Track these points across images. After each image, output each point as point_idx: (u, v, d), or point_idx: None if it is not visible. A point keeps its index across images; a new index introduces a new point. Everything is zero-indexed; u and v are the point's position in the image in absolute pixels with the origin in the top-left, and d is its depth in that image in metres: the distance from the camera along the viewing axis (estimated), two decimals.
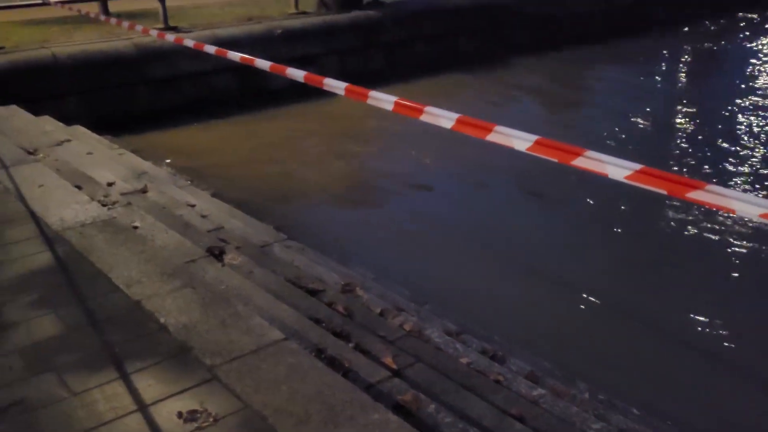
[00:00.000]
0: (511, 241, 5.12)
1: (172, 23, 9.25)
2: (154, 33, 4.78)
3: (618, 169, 1.17)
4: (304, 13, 10.38)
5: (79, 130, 6.65)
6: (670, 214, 5.41)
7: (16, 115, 6.24)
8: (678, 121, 8.38)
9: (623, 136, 7.59)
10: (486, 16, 11.60)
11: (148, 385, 2.09)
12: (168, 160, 6.68)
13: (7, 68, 7.30)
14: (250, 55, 8.45)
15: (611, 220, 5.45)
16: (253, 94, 8.74)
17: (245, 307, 2.71)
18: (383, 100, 1.74)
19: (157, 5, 9.21)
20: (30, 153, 4.80)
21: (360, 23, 10.17)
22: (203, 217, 4.41)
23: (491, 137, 1.44)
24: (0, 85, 7.11)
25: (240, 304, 2.70)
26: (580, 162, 1.24)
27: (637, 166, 1.15)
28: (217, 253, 3.62)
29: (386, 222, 5.61)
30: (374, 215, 5.84)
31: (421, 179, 6.57)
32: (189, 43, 3.42)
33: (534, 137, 1.36)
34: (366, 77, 9.97)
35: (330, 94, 8.83)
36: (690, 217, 5.36)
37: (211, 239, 3.88)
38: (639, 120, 8.29)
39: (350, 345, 2.78)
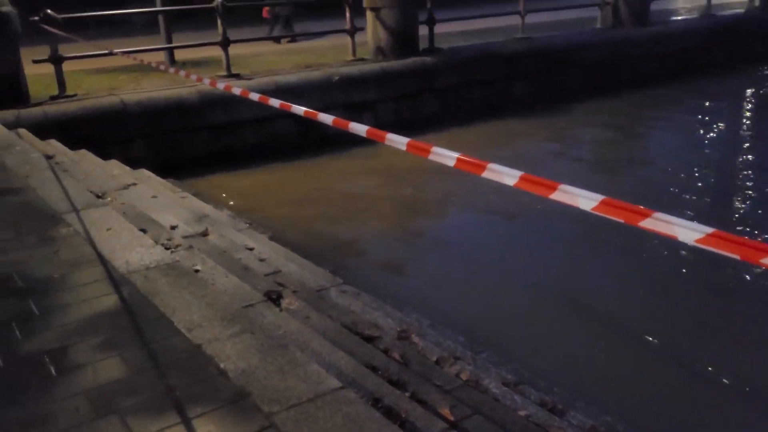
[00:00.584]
0: (573, 289, 5.03)
1: (234, 71, 9.56)
2: (221, 86, 4.96)
3: (688, 232, 1.15)
4: (361, 59, 10.60)
5: (144, 173, 6.88)
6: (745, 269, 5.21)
7: (86, 159, 6.50)
8: (746, 173, 8.07)
9: (688, 188, 7.29)
10: (541, 60, 11.63)
11: (208, 431, 2.11)
12: (228, 203, 6.84)
13: (79, 114, 7.65)
14: (308, 101, 8.68)
15: (682, 275, 5.24)
16: (312, 138, 8.92)
17: (302, 353, 2.73)
18: (445, 156, 1.76)
19: (220, 53, 9.55)
20: (99, 197, 4.98)
21: (416, 69, 10.31)
22: (261, 260, 4.48)
23: (555, 195, 1.44)
24: (72, 131, 7.44)
25: (297, 350, 2.72)
26: (647, 224, 1.22)
27: (709, 230, 1.13)
28: (274, 297, 3.66)
29: (442, 266, 5.60)
30: (430, 260, 5.83)
31: (478, 224, 6.55)
32: (254, 96, 3.54)
33: (599, 197, 1.35)
34: (421, 122, 10.11)
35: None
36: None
37: (268, 283, 3.94)
38: (703, 170, 8.05)
39: (407, 394, 2.76)
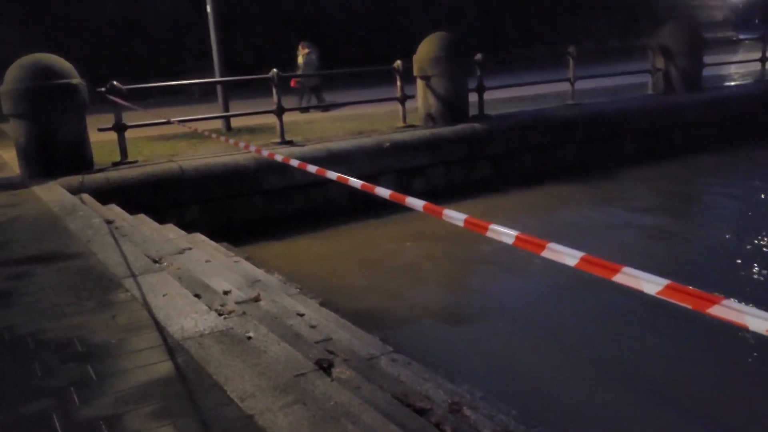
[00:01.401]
0: (631, 364, 4.87)
1: (287, 137, 9.81)
2: (264, 153, 5.11)
3: (759, 321, 1.12)
4: (412, 126, 10.76)
5: (199, 237, 7.03)
6: None
7: (144, 223, 6.69)
8: None
9: (755, 265, 6.81)
10: (592, 127, 11.61)
11: None
12: (279, 268, 6.91)
13: (139, 180, 7.92)
14: (360, 167, 8.80)
15: (750, 362, 4.99)
16: (364, 202, 9.01)
17: (354, 426, 2.70)
18: (503, 233, 1.76)
19: (275, 120, 9.82)
20: (155, 261, 5.10)
21: (466, 135, 10.41)
22: (312, 327, 4.49)
23: (619, 278, 1.42)
24: (132, 195, 7.69)
25: (349, 423, 2.69)
26: (716, 311, 1.19)
27: None
28: (326, 366, 3.65)
29: (494, 335, 5.50)
30: (481, 328, 5.75)
31: (530, 291, 6.45)
32: (312, 169, 3.62)
33: (664, 281, 1.32)
34: (472, 187, 10.14)
35: (439, 205, 8.95)
36: None
37: (319, 351, 3.93)
38: (765, 240, 7.80)
39: None
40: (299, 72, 15.22)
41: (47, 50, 8.46)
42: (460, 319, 5.99)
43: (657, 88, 13.70)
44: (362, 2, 28.10)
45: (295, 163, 3.35)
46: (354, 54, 26.22)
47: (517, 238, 1.72)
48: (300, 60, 15.29)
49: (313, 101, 15.05)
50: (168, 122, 8.03)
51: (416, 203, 2.30)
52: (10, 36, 19.70)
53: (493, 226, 1.83)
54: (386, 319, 5.84)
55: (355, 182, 2.80)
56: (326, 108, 14.45)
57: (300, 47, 15.46)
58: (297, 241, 8.22)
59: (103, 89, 8.54)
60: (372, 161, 9.44)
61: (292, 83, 14.97)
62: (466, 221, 2.00)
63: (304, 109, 14.22)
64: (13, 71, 7.85)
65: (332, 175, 3.09)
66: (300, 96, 15.29)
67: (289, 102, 12.21)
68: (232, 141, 6.11)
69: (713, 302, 1.14)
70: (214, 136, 6.47)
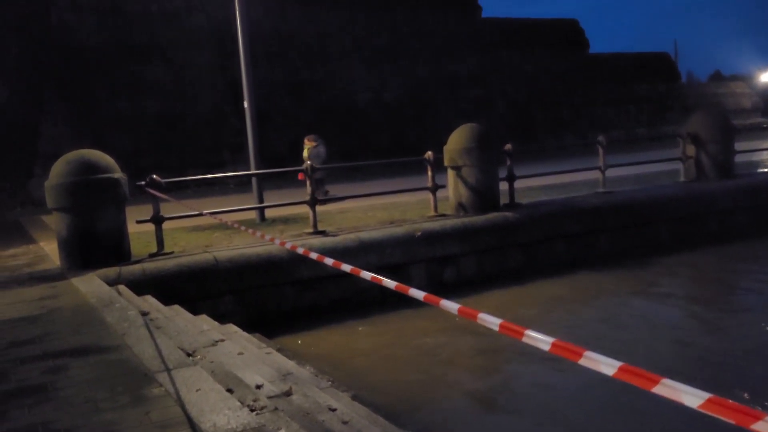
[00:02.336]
0: None
1: (320, 227, 9.94)
2: (288, 245, 5.21)
3: None
4: (443, 215, 10.84)
5: (232, 328, 7.06)
6: None
7: (178, 315, 6.75)
8: None
9: None
10: (625, 215, 11.57)
11: None
12: (311, 360, 6.86)
13: (175, 271, 8.04)
14: (391, 256, 8.83)
15: None
16: (394, 293, 8.98)
17: None
18: (539, 339, 1.75)
19: (308, 209, 9.99)
20: (189, 354, 5.12)
21: (497, 224, 10.44)
22: (344, 423, 4.41)
23: (658, 389, 1.40)
24: (167, 286, 7.80)
25: None
26: (760, 427, 1.16)
27: None
28: None
29: (527, 429, 5.34)
30: (514, 422, 5.58)
31: (567, 384, 6.28)
32: (346, 268, 3.68)
33: (706, 395, 1.30)
34: (504, 276, 10.08)
35: (470, 294, 8.83)
36: None
37: None
38: None
39: None
40: (305, 164, 15.08)
41: (94, 145, 8.86)
42: (493, 414, 5.84)
43: (689, 176, 13.68)
44: (394, 95, 28.93)
45: (367, 275, 3.42)
46: (386, 144, 26.82)
47: (553, 345, 1.71)
48: (305, 153, 15.03)
49: (320, 194, 14.78)
50: (201, 214, 8.23)
51: (451, 306, 2.30)
52: (61, 133, 20.63)
53: (529, 332, 1.82)
54: (418, 413, 5.72)
55: (390, 283, 2.83)
56: (325, 201, 13.60)
57: (306, 140, 15.30)
58: (329, 332, 8.19)
59: (142, 183, 8.81)
60: (403, 250, 9.49)
61: (300, 176, 14.85)
62: (501, 326, 2.00)
63: (321, 202, 14.01)
64: (58, 167, 8.18)
65: (366, 275, 3.12)
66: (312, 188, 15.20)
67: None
68: (259, 234, 6.24)
69: (758, 418, 1.11)
70: (243, 228, 6.61)
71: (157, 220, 8.87)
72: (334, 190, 15.34)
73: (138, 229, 9.27)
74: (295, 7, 27.84)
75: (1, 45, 22.47)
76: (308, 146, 15.08)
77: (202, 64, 24.21)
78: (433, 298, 2.48)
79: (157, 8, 23.71)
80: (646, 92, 34.34)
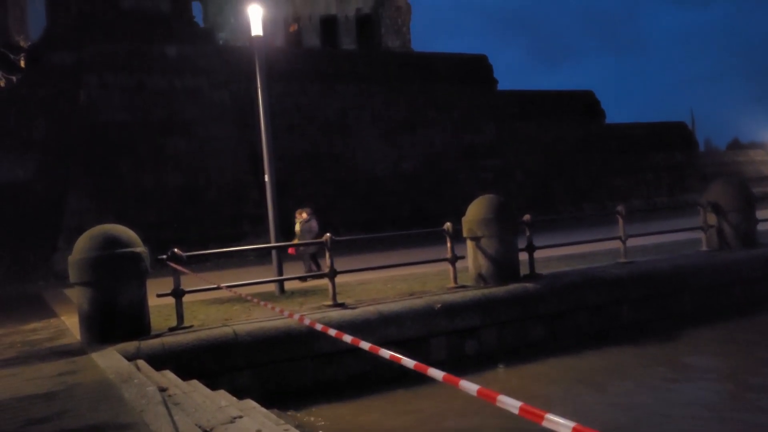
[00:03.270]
0: None
1: (339, 299, 9.90)
2: (306, 321, 5.20)
3: None
4: (463, 286, 10.77)
5: (250, 404, 6.96)
6: None
7: (196, 390, 6.69)
8: None
9: None
10: (647, 285, 11.43)
11: None
12: None
13: (194, 345, 8.02)
14: (411, 328, 8.74)
15: None
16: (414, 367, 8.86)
17: None
18: (561, 424, 1.72)
19: (328, 281, 9.98)
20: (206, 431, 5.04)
21: (518, 295, 10.34)
22: None
23: None
24: (186, 361, 7.76)
25: None
26: None
27: None
28: None
29: None
30: None
31: None
32: (365, 345, 3.68)
33: None
34: (525, 348, 9.92)
35: (492, 368, 8.65)
36: None
37: None
38: None
39: None
40: (297, 239, 14.08)
41: (117, 218, 9.00)
42: None
43: (711, 245, 13.54)
44: (413, 166, 29.27)
45: (386, 354, 3.42)
46: (406, 214, 26.96)
47: (574, 430, 1.67)
48: (297, 227, 14.47)
49: (313, 269, 13.87)
50: (220, 288, 8.26)
51: (470, 387, 2.27)
52: (86, 207, 21.02)
53: (549, 416, 1.79)
54: None
55: (408, 362, 2.81)
56: (322, 276, 12.47)
57: (297, 213, 14.67)
58: (348, 409, 8.04)
59: (164, 257, 8.89)
60: (423, 323, 9.40)
61: (291, 251, 14.04)
62: (521, 409, 1.96)
63: (303, 278, 13.04)
64: (82, 242, 8.30)
65: (385, 353, 3.11)
66: (307, 264, 14.30)
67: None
68: (277, 309, 6.24)
69: None
70: (261, 303, 6.61)
71: (178, 293, 8.90)
72: (355, 260, 15.33)
73: (158, 303, 9.30)
74: (315, 83, 28.58)
75: (30, 122, 23.21)
76: (300, 220, 14.47)
77: (223, 137, 24.76)
78: (452, 378, 2.45)
79: (181, 85, 24.45)
80: (664, 161, 34.43)
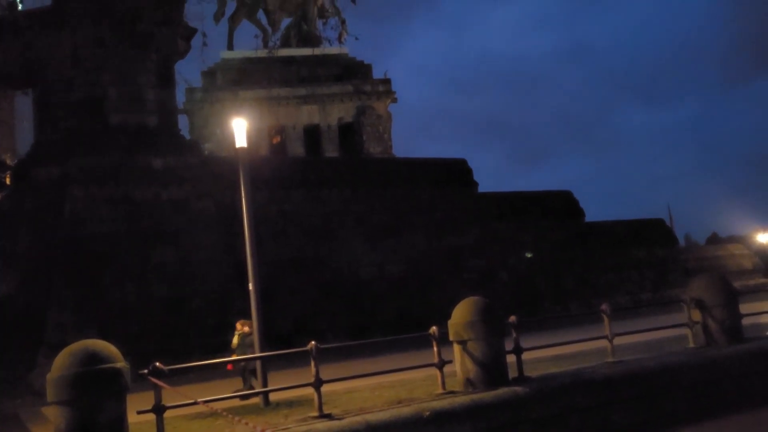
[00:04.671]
0: None
1: (326, 409, 9.67)
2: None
3: None
4: (452, 392, 10.60)
5: None
6: None
7: None
8: None
9: None
10: (638, 384, 11.33)
11: None
12: None
13: None
14: None
15: None
16: None
17: None
18: None
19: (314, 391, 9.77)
20: None
21: (507, 400, 10.20)
22: None
23: None
24: None
25: None
26: None
27: None
28: None
29: None
30: None
31: None
32: None
33: None
34: None
35: None
36: None
37: None
38: None
39: None
40: (234, 354, 13.70)
41: (99, 331, 8.90)
42: None
43: (698, 342, 13.52)
44: (398, 269, 29.32)
45: None
46: (391, 317, 26.75)
47: None
48: (235, 340, 13.97)
49: (254, 386, 12.98)
50: (197, 402, 8.07)
51: None
52: (67, 321, 20.72)
53: None
54: None
55: None
56: (248, 396, 12.56)
57: (238, 325, 14.15)
58: None
59: (145, 371, 8.72)
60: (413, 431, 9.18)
61: (229, 367, 13.75)
62: None
63: (244, 396, 12.47)
64: (61, 359, 8.16)
65: None
66: (244, 379, 13.70)
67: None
68: (259, 428, 6.08)
69: None
70: (244, 422, 6.44)
71: (159, 409, 8.67)
72: (342, 368, 15.03)
73: (139, 419, 9.02)
74: (300, 189, 29.01)
75: (14, 234, 23.20)
76: (240, 332, 13.89)
77: (208, 245, 24.82)
78: None
79: (166, 196, 24.72)
80: (646, 257, 34.74)
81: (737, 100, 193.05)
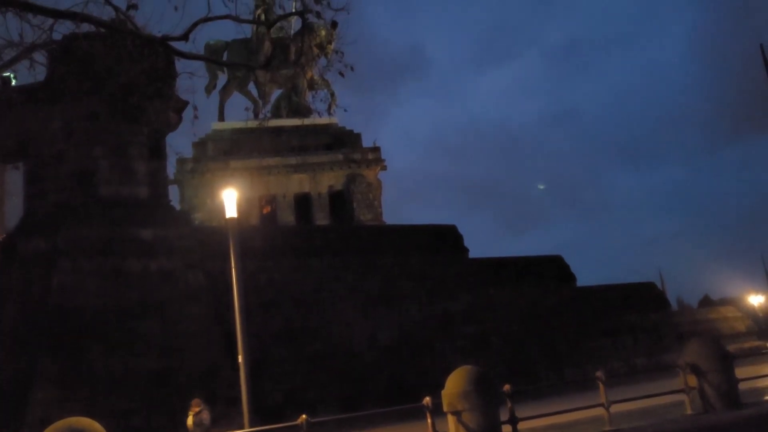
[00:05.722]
0: None
1: None
2: None
3: None
4: None
5: None
6: None
7: None
8: None
9: None
10: None
11: None
12: None
13: None
14: None
15: None
16: None
17: None
18: None
19: None
20: None
21: None
22: None
23: None
24: None
25: None
26: None
27: None
28: None
29: None
30: None
31: None
32: None
33: None
34: None
35: None
36: None
37: None
38: None
39: None
40: None
41: (84, 407, 8.69)
42: None
43: (695, 408, 13.31)
44: (390, 337, 28.99)
45: None
46: (384, 387, 26.30)
47: None
48: (189, 420, 14.63)
49: None
50: None
51: None
52: (52, 397, 20.23)
53: None
54: None
55: None
56: None
57: (192, 404, 14.89)
58: None
59: None
60: None
61: None
62: None
63: None
64: None
65: None
66: None
67: None
68: None
69: None
70: None
71: None
72: None
73: None
74: (290, 258, 28.93)
75: (0, 308, 22.85)
76: (193, 412, 14.67)
77: (197, 317, 24.52)
78: None
79: (156, 267, 24.56)
80: (639, 321, 34.57)
81: (722, 164, 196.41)
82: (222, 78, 44.64)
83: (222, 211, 14.20)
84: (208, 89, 43.79)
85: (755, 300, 55.81)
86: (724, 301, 57.12)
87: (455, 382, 10.91)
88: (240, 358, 11.97)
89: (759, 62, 27.94)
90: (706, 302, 68.48)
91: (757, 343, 36.75)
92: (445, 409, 10.85)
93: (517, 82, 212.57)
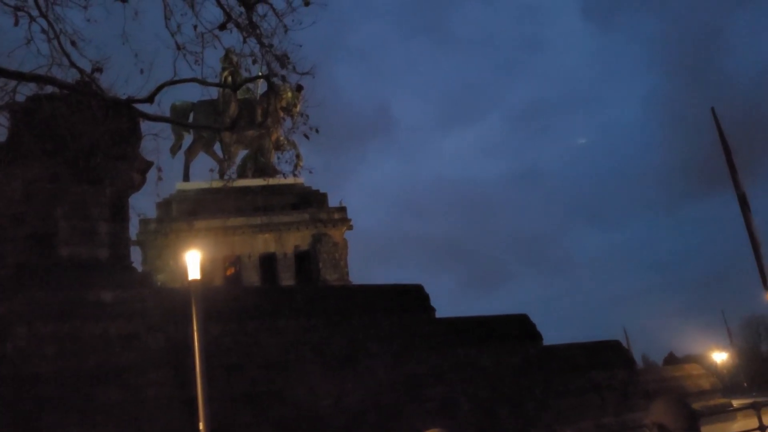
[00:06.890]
0: None
1: None
2: None
3: None
4: None
5: None
6: None
7: None
8: None
9: None
10: None
11: None
12: None
13: None
14: None
15: None
16: None
17: None
18: None
19: None
20: None
21: None
22: None
23: None
24: None
25: None
26: None
27: None
28: None
29: None
30: None
31: None
32: None
33: None
34: None
35: None
36: None
37: None
38: None
39: None
40: None
41: None
42: None
43: None
44: (356, 400, 28.47)
45: None
46: None
47: None
48: None
49: None
50: None
51: None
52: None
53: None
54: None
55: None
56: None
57: None
58: None
59: None
60: None
61: None
62: None
63: None
64: None
65: None
66: None
67: None
68: None
69: None
70: None
71: None
72: None
73: None
74: (255, 320, 28.48)
75: None
76: None
77: (157, 382, 23.83)
78: None
79: (115, 331, 23.95)
80: (606, 380, 34.53)
81: (681, 221, 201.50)
82: (188, 138, 44.73)
83: (185, 272, 14.00)
84: (174, 150, 43.79)
85: (718, 357, 56.41)
86: (689, 359, 57.59)
87: None
88: (201, 426, 11.60)
89: (712, 124, 28.92)
90: (672, 359, 68.88)
91: (722, 400, 36.95)
92: None
93: (481, 142, 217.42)
